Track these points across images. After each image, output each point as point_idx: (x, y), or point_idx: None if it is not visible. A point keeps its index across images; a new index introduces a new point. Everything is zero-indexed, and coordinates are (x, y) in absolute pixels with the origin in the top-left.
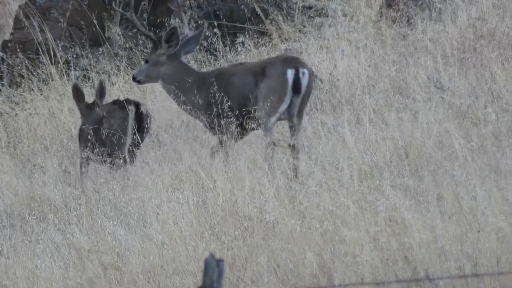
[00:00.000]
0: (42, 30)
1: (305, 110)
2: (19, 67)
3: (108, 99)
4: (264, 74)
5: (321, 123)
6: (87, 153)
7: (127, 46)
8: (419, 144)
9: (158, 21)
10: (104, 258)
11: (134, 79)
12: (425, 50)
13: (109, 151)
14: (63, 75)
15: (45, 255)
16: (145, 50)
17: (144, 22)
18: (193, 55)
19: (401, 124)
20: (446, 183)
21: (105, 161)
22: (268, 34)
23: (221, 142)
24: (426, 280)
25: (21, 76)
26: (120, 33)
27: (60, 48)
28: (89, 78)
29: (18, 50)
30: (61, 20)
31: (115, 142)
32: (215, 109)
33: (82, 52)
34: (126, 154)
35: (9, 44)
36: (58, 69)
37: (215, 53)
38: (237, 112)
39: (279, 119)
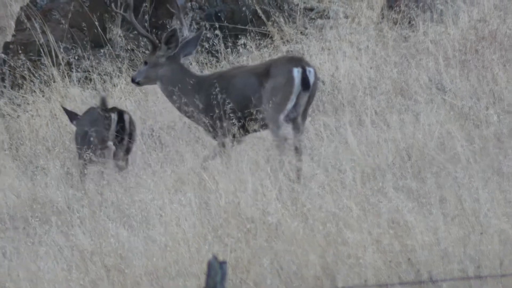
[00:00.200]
0: (43, 32)
1: (309, 111)
2: (21, 69)
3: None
4: (268, 74)
5: (323, 125)
6: (81, 155)
7: (129, 48)
8: (421, 146)
9: (160, 22)
10: (107, 260)
11: (133, 80)
12: (426, 52)
13: (94, 154)
14: (65, 77)
15: (48, 257)
16: (147, 51)
17: (146, 24)
18: (194, 56)
19: (403, 125)
20: (448, 185)
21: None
22: (269, 36)
23: (222, 144)
24: (429, 282)
25: (23, 77)
26: (121, 34)
27: (61, 50)
28: (90, 80)
29: (20, 51)
30: (63, 21)
31: (99, 146)
32: (217, 111)
33: (84, 54)
34: (111, 158)
35: (10, 46)
36: (60, 70)
37: (216, 54)
38: (239, 113)
39: (287, 117)
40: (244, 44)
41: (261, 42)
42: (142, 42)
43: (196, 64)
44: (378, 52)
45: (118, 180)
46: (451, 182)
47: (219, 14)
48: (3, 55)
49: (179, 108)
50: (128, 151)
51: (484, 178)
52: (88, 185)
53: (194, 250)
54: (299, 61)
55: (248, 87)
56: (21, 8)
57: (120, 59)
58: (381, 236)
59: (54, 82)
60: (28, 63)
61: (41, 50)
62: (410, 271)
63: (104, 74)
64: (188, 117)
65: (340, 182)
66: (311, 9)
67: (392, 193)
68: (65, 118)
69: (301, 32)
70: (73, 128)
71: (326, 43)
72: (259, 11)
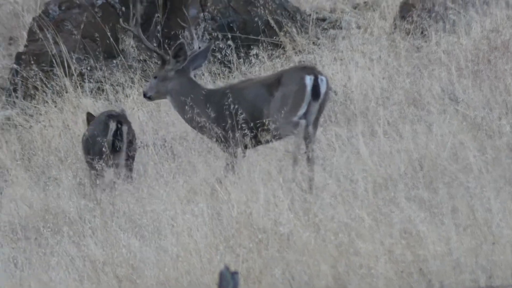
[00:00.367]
0: (56, 42)
1: (320, 120)
2: (33, 79)
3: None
4: (279, 84)
5: (335, 135)
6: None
7: (141, 58)
8: (433, 156)
9: (172, 33)
10: (118, 271)
11: (144, 95)
12: (439, 62)
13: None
14: (77, 87)
15: (59, 267)
16: (159, 62)
17: (158, 34)
18: (207, 67)
19: (416, 136)
20: (460, 195)
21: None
22: (282, 46)
23: (234, 155)
24: None
25: (35, 88)
26: (134, 45)
27: (74, 60)
28: (103, 90)
29: (32, 62)
30: (75, 32)
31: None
32: (229, 121)
33: (96, 64)
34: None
35: (23, 56)
36: (72, 81)
37: (229, 65)
38: (251, 124)
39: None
40: (257, 55)
41: (273, 53)
42: (154, 54)
43: (209, 75)
44: (390, 63)
45: (130, 190)
46: (463, 192)
47: (231, 25)
48: (15, 66)
49: (190, 120)
50: (129, 159)
51: (496, 188)
52: (100, 195)
53: (206, 260)
54: (312, 70)
55: (258, 98)
56: (34, 18)
57: (132, 70)
58: (393, 246)
59: (66, 92)
60: (40, 74)
61: (54, 60)
62: (422, 281)
63: (117, 85)
64: (199, 128)
65: (352, 192)
66: (324, 19)
67: (404, 203)
68: (77, 129)
69: (313, 43)
70: None
71: (339, 54)
72: (272, 22)
